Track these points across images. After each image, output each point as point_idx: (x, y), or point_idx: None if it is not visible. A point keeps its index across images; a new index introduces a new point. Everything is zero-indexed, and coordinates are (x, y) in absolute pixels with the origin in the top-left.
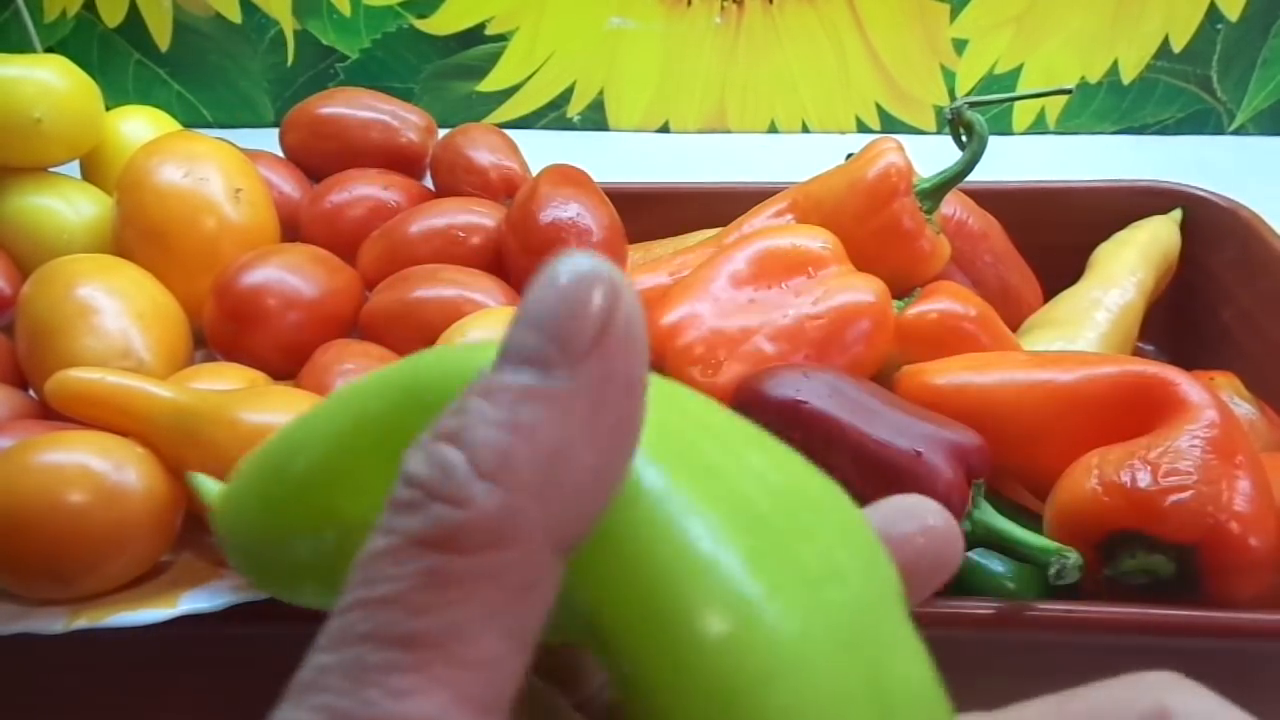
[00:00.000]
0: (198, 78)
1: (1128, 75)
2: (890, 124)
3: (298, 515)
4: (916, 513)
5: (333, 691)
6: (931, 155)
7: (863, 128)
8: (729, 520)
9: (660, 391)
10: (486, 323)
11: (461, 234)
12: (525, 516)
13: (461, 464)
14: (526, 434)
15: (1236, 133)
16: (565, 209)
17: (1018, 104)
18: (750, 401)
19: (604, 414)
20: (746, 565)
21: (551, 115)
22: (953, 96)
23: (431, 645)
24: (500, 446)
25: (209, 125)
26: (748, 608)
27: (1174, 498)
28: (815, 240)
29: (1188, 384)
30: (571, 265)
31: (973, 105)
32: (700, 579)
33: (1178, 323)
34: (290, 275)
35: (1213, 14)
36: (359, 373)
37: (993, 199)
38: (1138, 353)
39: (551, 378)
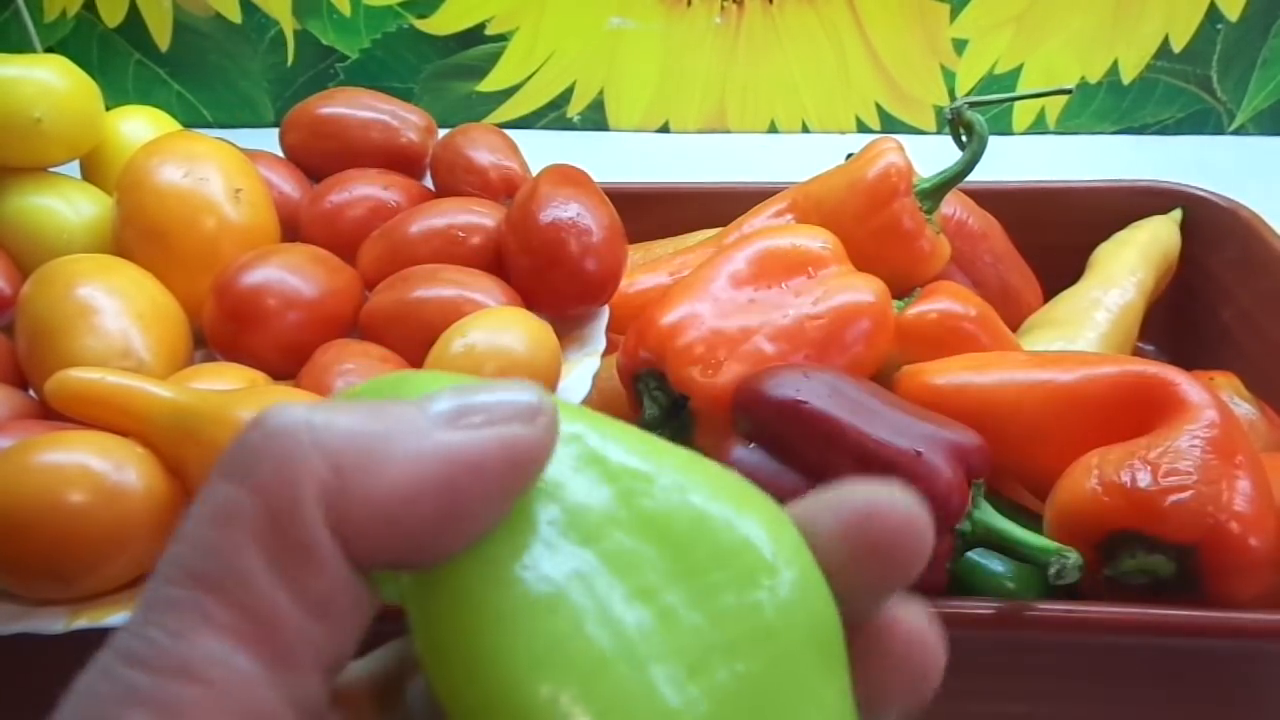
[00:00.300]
0: (198, 78)
1: (1128, 75)
2: (890, 124)
3: None
4: (874, 500)
5: (129, 631)
6: (931, 155)
7: (863, 128)
8: (612, 594)
9: (587, 425)
10: (486, 323)
11: (461, 234)
12: (306, 467)
13: (296, 413)
14: (373, 431)
15: (1236, 133)
16: (565, 209)
17: (1018, 104)
18: (750, 401)
19: (440, 466)
20: (618, 649)
21: (551, 115)
22: (953, 96)
23: (213, 586)
24: (343, 422)
25: (209, 125)
26: (608, 690)
27: (1174, 498)
28: (815, 240)
29: (1188, 384)
30: (519, 388)
31: (973, 105)
32: (555, 659)
33: (1178, 323)
34: (290, 275)
35: (1213, 14)
36: (359, 373)
37: (993, 199)
38: (1138, 353)
39: (430, 424)
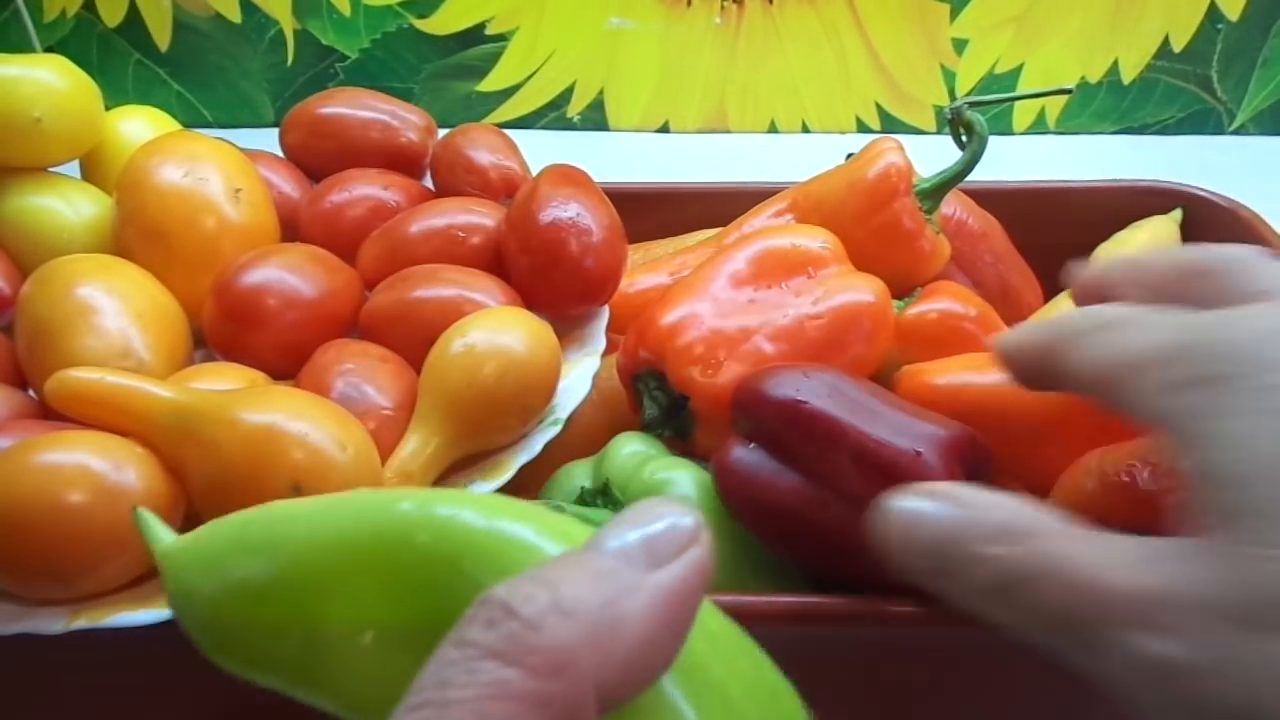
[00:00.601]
0: (198, 78)
1: (1128, 75)
2: (890, 124)
3: (265, 610)
4: None
5: None
6: (931, 155)
7: (863, 128)
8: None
9: None
10: (486, 322)
11: (461, 234)
12: (582, 657)
13: (545, 598)
14: (606, 599)
15: (1237, 133)
16: (565, 209)
17: (1018, 104)
18: (750, 401)
19: (664, 609)
20: None
21: (551, 115)
22: (953, 96)
23: None
24: (583, 598)
25: (209, 125)
26: None
27: (1174, 498)
28: (815, 240)
29: None
30: (677, 508)
31: (973, 105)
32: None
33: None
34: (290, 275)
35: (1213, 14)
36: (359, 372)
37: (993, 199)
38: None
39: (637, 572)
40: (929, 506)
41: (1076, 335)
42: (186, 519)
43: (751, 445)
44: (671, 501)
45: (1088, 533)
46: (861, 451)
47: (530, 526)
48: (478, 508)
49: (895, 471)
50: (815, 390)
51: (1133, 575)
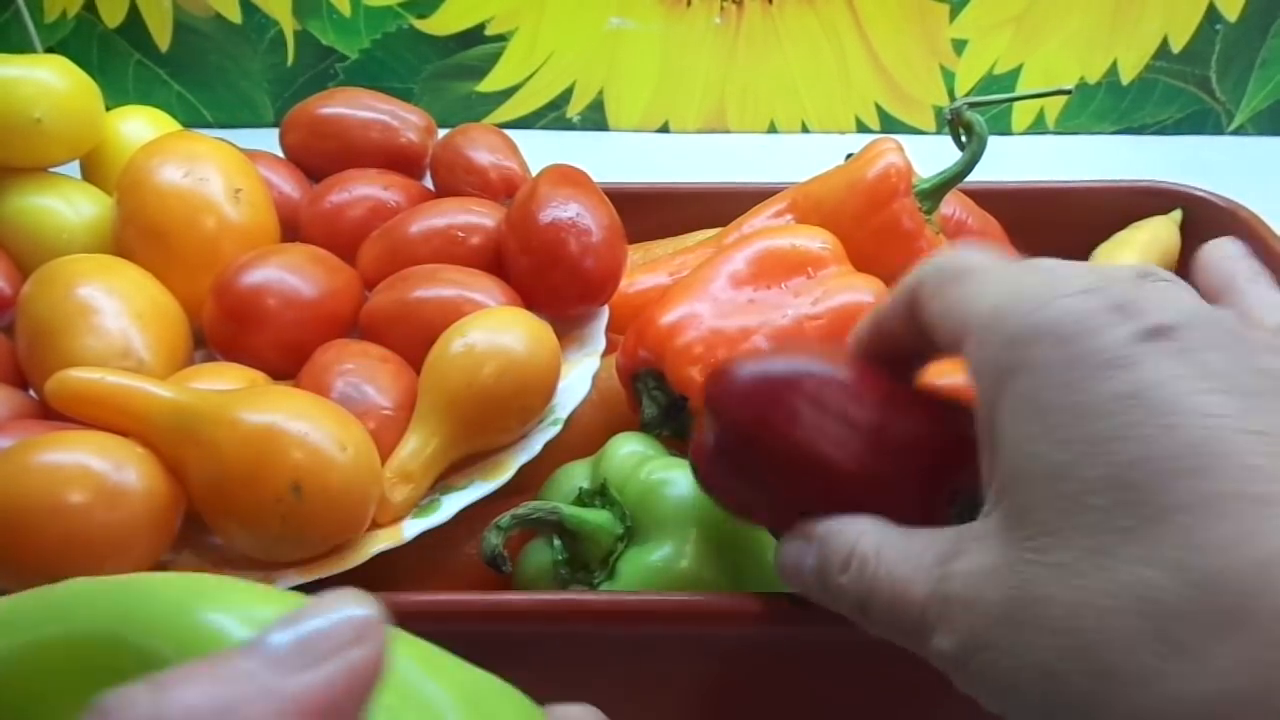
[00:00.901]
0: (198, 78)
1: (1127, 76)
2: (890, 124)
3: None
4: None
5: None
6: (931, 155)
7: (862, 128)
8: None
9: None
10: (486, 323)
11: (461, 234)
12: None
13: (146, 704)
14: (222, 706)
15: (1235, 133)
16: (565, 209)
17: (1017, 104)
18: (720, 396)
19: (293, 718)
20: None
21: (551, 115)
22: (952, 97)
23: None
24: (192, 704)
25: (209, 125)
26: None
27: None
28: (815, 240)
29: None
30: (350, 602)
31: (972, 105)
32: None
33: None
34: (290, 275)
35: (1212, 14)
36: (359, 372)
37: (993, 199)
38: None
39: (274, 676)
40: (803, 547)
41: (934, 286)
42: (186, 519)
43: (719, 444)
44: (349, 594)
45: (900, 540)
46: (827, 484)
47: (232, 617)
48: (191, 596)
49: (861, 497)
50: (794, 403)
51: (924, 584)
